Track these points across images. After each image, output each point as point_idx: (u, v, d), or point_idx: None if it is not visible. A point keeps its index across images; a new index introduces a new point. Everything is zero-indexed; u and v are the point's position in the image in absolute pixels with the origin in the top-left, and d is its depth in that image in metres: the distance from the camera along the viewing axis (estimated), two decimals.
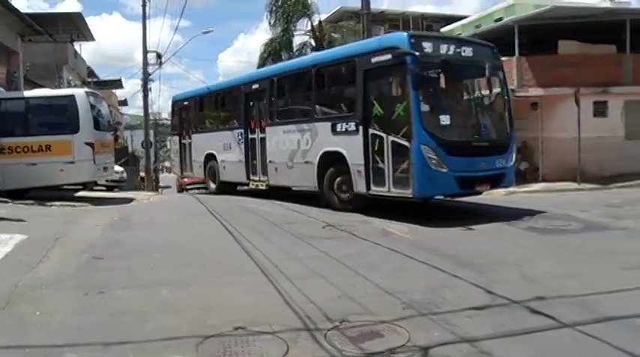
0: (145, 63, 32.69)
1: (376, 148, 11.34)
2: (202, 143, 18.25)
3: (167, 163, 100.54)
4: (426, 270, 7.45)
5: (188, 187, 27.25)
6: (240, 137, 16.05)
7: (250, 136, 15.75)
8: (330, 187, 12.79)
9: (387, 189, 11.22)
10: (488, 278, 6.93)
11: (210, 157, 17.76)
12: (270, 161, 14.85)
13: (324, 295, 6.23)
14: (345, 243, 9.36)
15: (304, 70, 13.97)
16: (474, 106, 12.24)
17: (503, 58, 21.50)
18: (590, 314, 5.58)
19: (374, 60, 11.43)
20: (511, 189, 15.94)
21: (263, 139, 15.18)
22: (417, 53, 10.56)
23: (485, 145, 11.48)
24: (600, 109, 19.17)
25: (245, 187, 17.36)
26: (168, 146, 19.98)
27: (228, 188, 17.40)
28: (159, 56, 33.35)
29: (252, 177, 15.90)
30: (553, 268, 7.62)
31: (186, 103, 19.77)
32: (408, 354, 4.70)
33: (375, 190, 11.53)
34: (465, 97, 12.27)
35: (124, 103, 60.76)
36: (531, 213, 12.06)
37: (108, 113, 18.28)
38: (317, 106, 13.34)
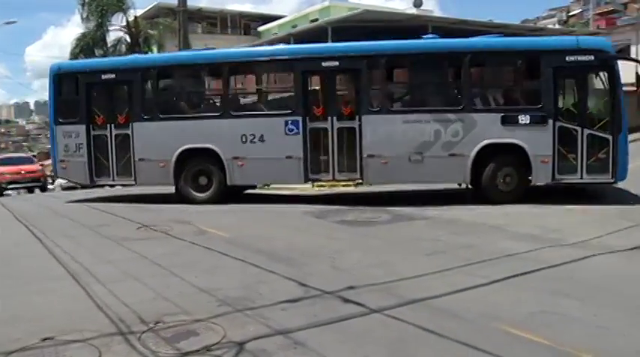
0: None
1: (565, 140, 11.98)
2: (170, 135, 13.36)
3: None
4: (241, 267, 7.50)
5: (10, 186, 24.24)
6: (292, 127, 12.76)
7: (312, 125, 12.83)
8: (493, 180, 12.29)
9: (579, 176, 11.98)
10: (302, 271, 7.15)
11: (194, 155, 13.29)
12: (370, 156, 12.52)
13: (137, 297, 6.07)
14: (160, 243, 9.17)
15: (450, 55, 12.85)
16: None
17: None
18: (396, 299, 5.98)
19: (570, 58, 11.85)
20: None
21: (326, 130, 12.80)
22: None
23: None
24: None
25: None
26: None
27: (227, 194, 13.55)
28: None
29: (314, 176, 13.12)
30: (363, 258, 8.03)
31: (107, 76, 13.88)
32: (224, 350, 4.72)
33: (562, 177, 12.09)
34: None
35: None
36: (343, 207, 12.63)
37: None
38: (472, 96, 12.59)
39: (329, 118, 12.74)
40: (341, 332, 5.18)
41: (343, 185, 13.47)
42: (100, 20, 31.80)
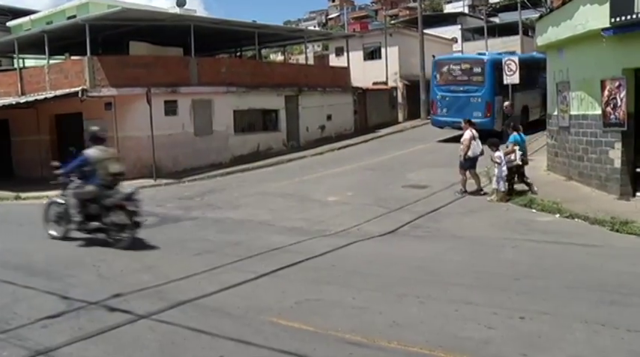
0: None
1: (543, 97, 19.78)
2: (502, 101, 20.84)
3: None
4: None
5: None
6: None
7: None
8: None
9: (544, 114, 19.39)
10: (64, 283, 6.80)
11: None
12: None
13: None
14: None
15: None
16: None
17: (74, 58, 21.18)
18: (164, 302, 5.97)
19: (541, 64, 19.74)
20: None
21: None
22: None
23: None
24: (171, 108, 20.09)
25: None
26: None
27: None
28: None
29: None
30: (129, 264, 7.83)
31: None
32: None
33: (542, 114, 21.18)
34: None
35: None
36: None
37: None
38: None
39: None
40: (109, 343, 5.04)
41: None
42: None
